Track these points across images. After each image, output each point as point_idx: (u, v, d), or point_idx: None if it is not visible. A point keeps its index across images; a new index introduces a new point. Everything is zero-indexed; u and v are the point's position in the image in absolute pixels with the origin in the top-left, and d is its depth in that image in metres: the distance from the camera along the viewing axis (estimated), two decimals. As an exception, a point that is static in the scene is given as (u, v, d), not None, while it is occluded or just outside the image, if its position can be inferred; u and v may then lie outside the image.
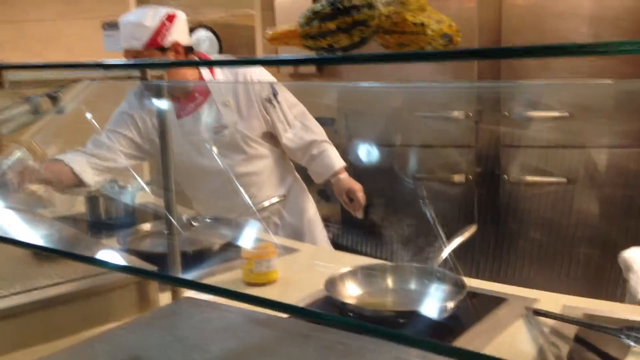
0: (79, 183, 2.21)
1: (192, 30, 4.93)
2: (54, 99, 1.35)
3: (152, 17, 2.09)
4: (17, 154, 1.38)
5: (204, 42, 4.95)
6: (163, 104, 1.47)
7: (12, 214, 1.67)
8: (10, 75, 1.14)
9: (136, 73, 1.43)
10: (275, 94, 2.28)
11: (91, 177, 2.24)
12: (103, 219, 2.36)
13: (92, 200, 2.38)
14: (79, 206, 2.45)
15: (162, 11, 2.13)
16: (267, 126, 2.32)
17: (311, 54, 0.83)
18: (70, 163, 2.19)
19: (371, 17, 0.76)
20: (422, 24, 0.74)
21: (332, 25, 0.77)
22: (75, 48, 5.13)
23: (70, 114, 1.36)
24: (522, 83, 2.33)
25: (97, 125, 2.27)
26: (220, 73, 2.33)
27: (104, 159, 2.28)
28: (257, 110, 2.29)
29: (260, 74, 2.38)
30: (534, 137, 2.87)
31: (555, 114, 2.80)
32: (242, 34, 4.78)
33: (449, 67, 3.00)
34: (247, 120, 2.29)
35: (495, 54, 0.65)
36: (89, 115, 2.10)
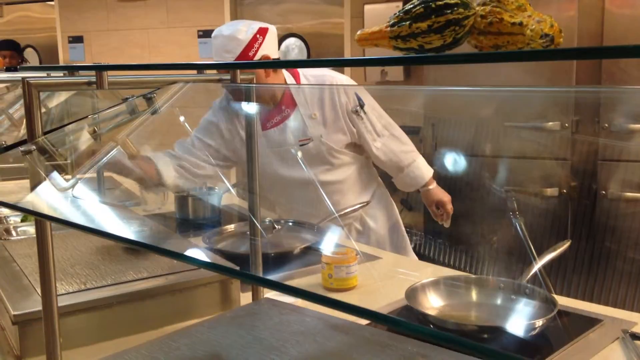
0: (159, 182, 2.28)
1: (282, 38, 5.04)
2: (149, 100, 1.39)
3: (245, 31, 2.13)
4: (113, 151, 1.44)
5: (293, 50, 5.03)
6: (249, 113, 1.49)
7: (107, 209, 1.75)
8: (110, 77, 1.20)
9: (227, 77, 1.46)
10: (362, 105, 2.25)
11: (172, 179, 2.30)
12: (191, 218, 2.44)
13: (181, 199, 2.46)
14: (169, 205, 2.54)
15: (255, 25, 2.16)
16: (352, 138, 2.30)
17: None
18: (157, 163, 2.26)
19: (466, 17, 0.73)
20: (521, 24, 0.71)
21: (423, 26, 0.75)
22: (174, 54, 5.38)
23: (163, 115, 1.40)
24: (622, 89, 2.20)
25: (188, 126, 2.34)
26: (305, 81, 2.34)
27: (192, 164, 2.33)
28: (342, 123, 2.27)
29: (346, 81, 2.37)
30: (636, 151, 2.70)
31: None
32: (331, 42, 4.82)
33: (545, 75, 2.87)
34: (333, 133, 2.28)
35: (596, 53, 0.60)
36: (181, 118, 2.18)
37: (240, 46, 2.11)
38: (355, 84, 2.64)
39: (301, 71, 2.36)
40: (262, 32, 2.15)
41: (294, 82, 2.32)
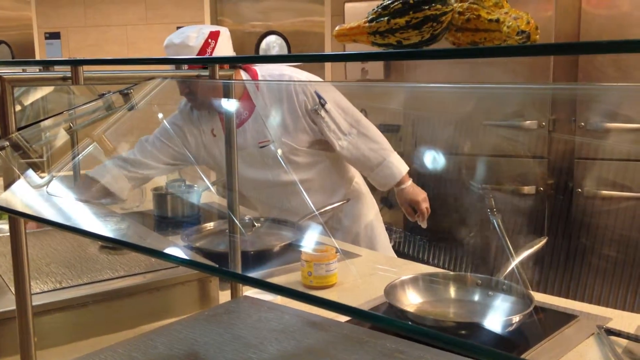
0: (115, 197, 2.28)
1: (262, 36, 5.02)
2: (126, 96, 1.37)
3: (195, 37, 2.09)
4: (89, 148, 1.42)
5: (274, 47, 5.02)
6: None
7: (83, 207, 1.73)
8: (86, 72, 1.18)
9: (205, 73, 1.45)
10: (323, 104, 2.17)
11: (126, 193, 2.30)
12: (169, 216, 2.42)
13: (160, 197, 2.44)
14: (147, 203, 2.52)
15: (206, 30, 2.12)
16: (315, 136, 2.24)
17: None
18: (107, 184, 2.25)
19: (443, 13, 0.74)
20: (498, 20, 0.71)
21: (401, 21, 0.75)
22: (153, 51, 5.32)
23: (140, 111, 1.39)
24: (598, 86, 2.23)
25: (166, 123, 2.31)
26: (262, 78, 2.28)
27: (144, 167, 2.30)
28: (303, 123, 2.21)
29: (307, 79, 2.30)
30: (612, 149, 2.74)
31: (635, 125, 2.67)
32: (311, 40, 4.81)
33: (523, 75, 2.90)
34: (293, 134, 2.22)
35: (571, 49, 0.61)
36: (158, 114, 2.16)
37: (193, 53, 2.07)
38: (319, 79, 2.57)
39: (259, 71, 2.29)
40: (214, 36, 2.11)
41: (251, 83, 2.26)
